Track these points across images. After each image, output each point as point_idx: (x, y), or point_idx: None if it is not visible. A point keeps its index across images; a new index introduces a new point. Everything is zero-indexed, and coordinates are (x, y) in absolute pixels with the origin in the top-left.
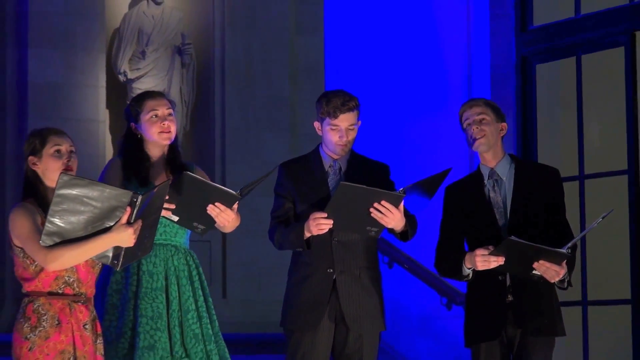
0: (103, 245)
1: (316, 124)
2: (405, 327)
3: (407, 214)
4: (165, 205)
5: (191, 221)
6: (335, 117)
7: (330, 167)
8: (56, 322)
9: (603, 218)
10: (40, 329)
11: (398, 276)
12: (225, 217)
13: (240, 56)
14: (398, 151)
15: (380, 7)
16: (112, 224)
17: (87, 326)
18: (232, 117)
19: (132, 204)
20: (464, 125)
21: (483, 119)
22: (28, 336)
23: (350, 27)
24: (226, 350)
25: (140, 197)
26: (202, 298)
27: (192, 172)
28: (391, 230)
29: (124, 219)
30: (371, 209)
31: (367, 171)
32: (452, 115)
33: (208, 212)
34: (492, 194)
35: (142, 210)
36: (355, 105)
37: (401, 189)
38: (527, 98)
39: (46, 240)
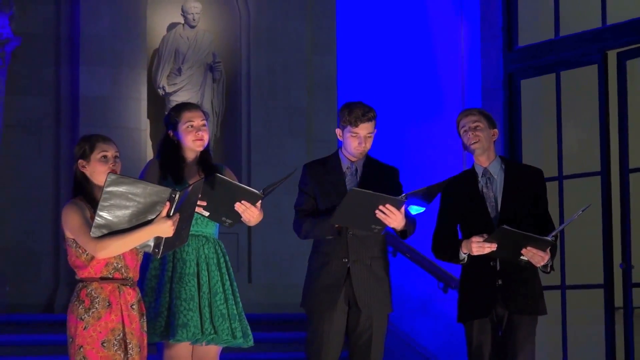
0: (146, 236)
1: (337, 131)
2: (408, 308)
3: (407, 215)
4: (198, 202)
5: (220, 216)
6: (356, 125)
7: (347, 168)
8: (107, 304)
9: (583, 211)
10: (93, 310)
11: (401, 264)
12: (250, 214)
13: (263, 72)
14: (401, 153)
15: (384, 31)
16: (153, 217)
17: (134, 306)
18: (256, 125)
19: (171, 200)
20: (461, 132)
21: (477, 126)
22: (82, 317)
23: (359, 47)
24: (248, 327)
25: (178, 194)
26: (228, 282)
27: (222, 173)
28: (393, 229)
29: (164, 212)
30: (376, 211)
31: (379, 173)
32: (449, 123)
33: (235, 208)
34: (485, 190)
35: (179, 205)
36: (373, 116)
37: (403, 194)
38: (513, 109)
39: (96, 232)
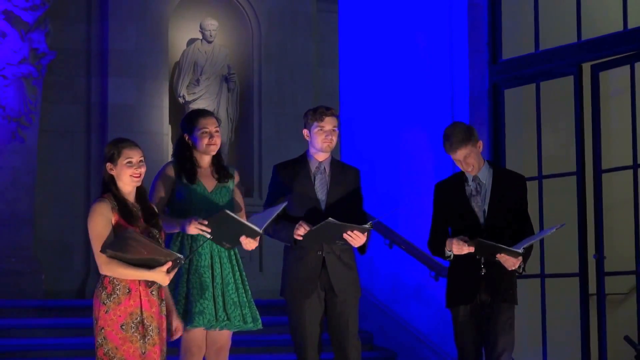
0: (144, 277)
1: (304, 132)
2: (403, 294)
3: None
4: (203, 228)
5: (222, 241)
6: (322, 120)
7: (316, 168)
8: (127, 291)
9: (556, 229)
10: (114, 296)
11: (397, 255)
12: (250, 247)
13: (273, 83)
14: (396, 157)
15: (382, 47)
16: (160, 260)
17: (153, 292)
18: (267, 131)
19: (175, 264)
20: (455, 161)
21: (467, 156)
22: (105, 302)
23: (359, 61)
24: (257, 312)
25: (183, 261)
26: (238, 273)
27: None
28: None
29: (165, 268)
30: (345, 235)
31: (344, 173)
32: (440, 129)
33: (241, 240)
34: (474, 193)
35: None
36: (335, 113)
37: (370, 222)
38: (497, 115)
39: (107, 252)
